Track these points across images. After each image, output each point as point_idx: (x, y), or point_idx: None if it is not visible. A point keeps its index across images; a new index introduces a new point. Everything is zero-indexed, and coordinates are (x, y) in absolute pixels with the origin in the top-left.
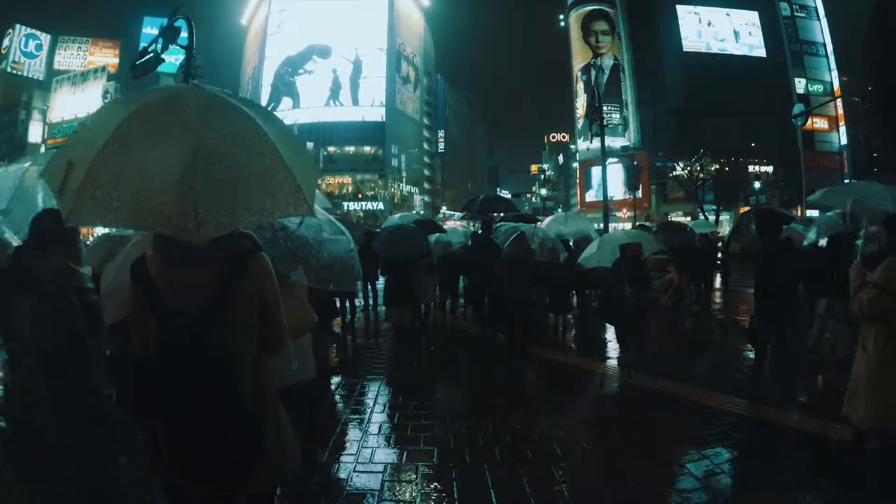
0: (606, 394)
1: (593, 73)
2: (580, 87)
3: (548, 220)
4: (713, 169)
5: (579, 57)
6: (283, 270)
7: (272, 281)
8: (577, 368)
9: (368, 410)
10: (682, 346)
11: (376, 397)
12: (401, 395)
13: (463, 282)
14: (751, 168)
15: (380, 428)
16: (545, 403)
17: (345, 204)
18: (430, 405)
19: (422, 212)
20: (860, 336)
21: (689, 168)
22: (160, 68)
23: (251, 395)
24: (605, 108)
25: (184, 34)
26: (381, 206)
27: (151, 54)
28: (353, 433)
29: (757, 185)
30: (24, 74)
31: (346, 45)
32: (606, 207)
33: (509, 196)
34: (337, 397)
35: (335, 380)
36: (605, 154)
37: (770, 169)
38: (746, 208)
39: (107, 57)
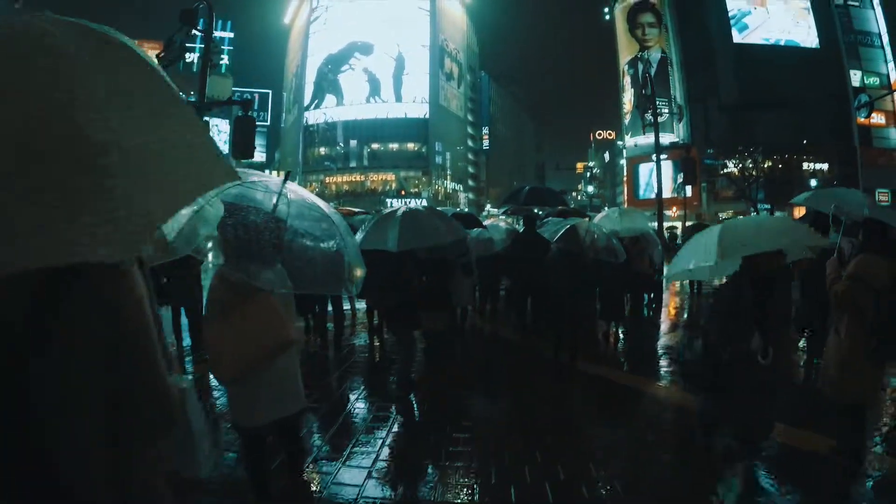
0: (671, 423)
1: (640, 66)
2: (627, 81)
3: (600, 215)
4: (766, 166)
5: (626, 51)
6: (252, 272)
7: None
8: (634, 389)
9: (389, 430)
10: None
11: (401, 414)
12: (429, 412)
13: (504, 284)
14: (804, 165)
15: (403, 451)
16: (597, 435)
17: (388, 200)
18: (461, 429)
19: (466, 209)
20: (833, 321)
21: (740, 165)
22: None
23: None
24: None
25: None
26: (424, 203)
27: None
28: (369, 454)
29: (813, 182)
30: None
31: (388, 41)
32: (661, 203)
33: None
34: (360, 409)
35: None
36: (658, 145)
37: (825, 166)
38: (802, 209)
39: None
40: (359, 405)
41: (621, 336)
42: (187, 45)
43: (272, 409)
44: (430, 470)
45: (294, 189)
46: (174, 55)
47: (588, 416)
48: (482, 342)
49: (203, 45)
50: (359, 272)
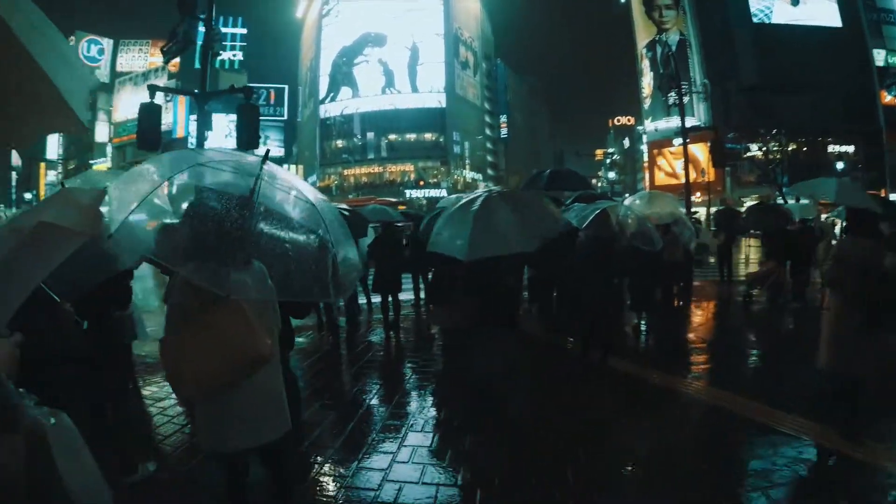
0: (707, 426)
1: (659, 49)
2: (645, 65)
3: (629, 199)
4: (790, 149)
5: (643, 34)
6: (216, 274)
7: None
8: (670, 391)
9: (407, 428)
10: (780, 356)
11: (418, 413)
12: (446, 415)
13: (527, 274)
14: (829, 148)
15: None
16: (632, 444)
17: (407, 191)
18: (480, 434)
19: None
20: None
21: (764, 148)
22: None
23: None
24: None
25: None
26: (444, 193)
27: (180, 36)
28: (385, 454)
29: (840, 165)
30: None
31: (401, 31)
32: (689, 186)
33: None
34: (374, 405)
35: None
36: (684, 126)
37: (851, 149)
38: None
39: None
40: (374, 404)
41: (648, 329)
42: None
43: (246, 435)
44: (448, 473)
45: (274, 171)
46: (178, 47)
47: (622, 421)
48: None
49: (188, 25)
50: (353, 276)
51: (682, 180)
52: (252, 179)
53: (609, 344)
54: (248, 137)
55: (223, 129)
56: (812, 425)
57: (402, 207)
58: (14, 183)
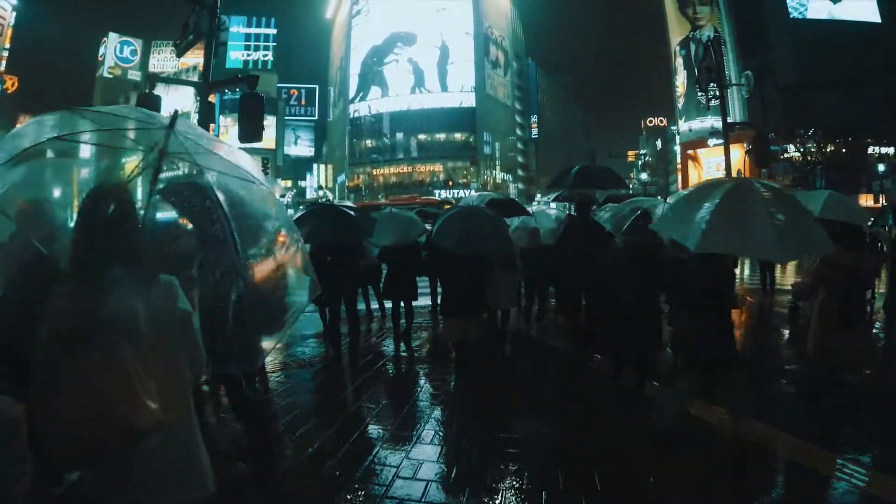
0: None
1: (692, 47)
2: (679, 63)
3: (670, 200)
4: (828, 150)
5: (676, 31)
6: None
7: None
8: (708, 425)
9: (407, 452)
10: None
11: (420, 441)
12: (457, 436)
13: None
14: (869, 149)
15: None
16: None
17: (436, 191)
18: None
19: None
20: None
21: (802, 149)
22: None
23: None
24: (709, 84)
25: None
26: (473, 193)
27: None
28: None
29: (881, 167)
30: (124, 77)
31: (431, 31)
32: None
33: None
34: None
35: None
36: (726, 122)
37: (892, 150)
38: (868, 196)
39: (198, 58)
40: (372, 425)
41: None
42: (236, 42)
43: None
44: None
45: (191, 131)
46: (188, 40)
47: (660, 466)
48: (526, 352)
49: (198, 15)
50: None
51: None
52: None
53: (646, 366)
54: (251, 129)
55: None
56: None
57: (447, 207)
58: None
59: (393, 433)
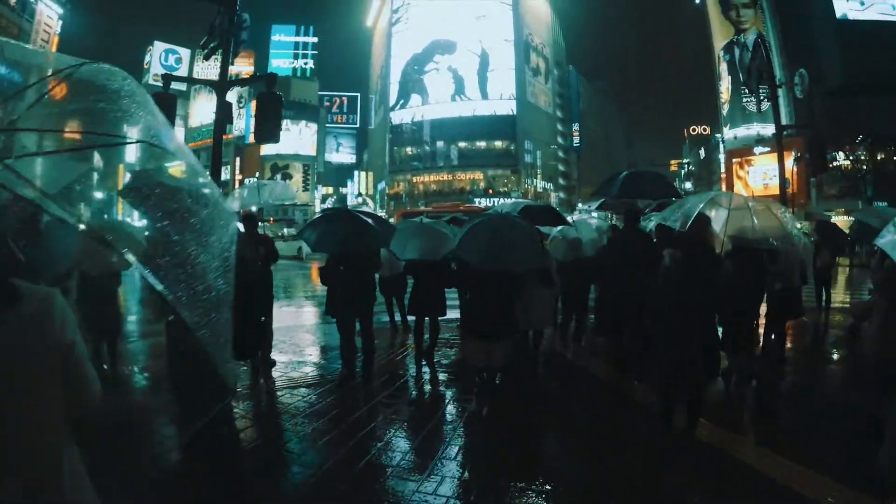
0: None
1: (737, 51)
2: (723, 68)
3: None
4: (879, 158)
5: (720, 35)
6: None
7: None
8: (773, 482)
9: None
10: None
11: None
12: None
13: (594, 294)
14: None
15: None
16: None
17: (476, 199)
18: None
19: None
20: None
21: (851, 157)
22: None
23: None
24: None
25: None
26: (509, 201)
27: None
28: None
29: None
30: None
31: (470, 38)
32: (784, 194)
33: None
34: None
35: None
36: (780, 126)
37: None
38: None
39: (242, 66)
40: (390, 449)
41: (742, 378)
42: (284, 50)
43: None
44: None
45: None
46: (215, 42)
47: None
48: (561, 380)
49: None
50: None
51: (763, 193)
52: None
53: (698, 408)
54: (268, 129)
55: (295, 137)
56: None
57: None
58: (95, 181)
59: (394, 471)
